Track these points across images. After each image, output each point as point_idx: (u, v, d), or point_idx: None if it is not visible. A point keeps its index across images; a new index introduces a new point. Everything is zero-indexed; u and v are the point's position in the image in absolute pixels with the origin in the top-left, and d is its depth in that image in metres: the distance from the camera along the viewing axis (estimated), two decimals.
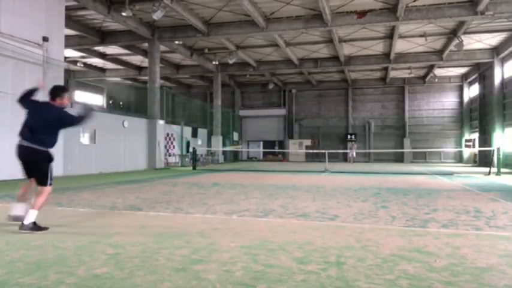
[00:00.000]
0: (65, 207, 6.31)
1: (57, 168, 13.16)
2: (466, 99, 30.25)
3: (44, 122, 4.49)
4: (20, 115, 12.95)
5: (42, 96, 5.00)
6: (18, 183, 10.50)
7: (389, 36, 20.29)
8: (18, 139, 4.57)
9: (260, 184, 10.66)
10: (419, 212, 5.87)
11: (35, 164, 4.50)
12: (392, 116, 32.22)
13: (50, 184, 4.52)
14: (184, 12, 16.36)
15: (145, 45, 21.11)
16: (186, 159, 23.20)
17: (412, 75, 29.14)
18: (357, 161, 30.49)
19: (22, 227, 4.27)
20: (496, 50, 22.62)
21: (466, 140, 29.45)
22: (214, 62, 25.48)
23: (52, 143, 4.60)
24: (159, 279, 2.74)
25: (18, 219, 4.46)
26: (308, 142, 32.90)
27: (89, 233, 4.27)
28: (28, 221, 4.27)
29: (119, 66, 27.56)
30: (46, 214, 5.61)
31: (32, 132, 4.46)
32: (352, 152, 29.62)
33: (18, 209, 4.60)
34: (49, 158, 4.55)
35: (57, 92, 4.71)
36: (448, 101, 31.29)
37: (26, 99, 4.72)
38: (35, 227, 4.31)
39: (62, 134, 14.62)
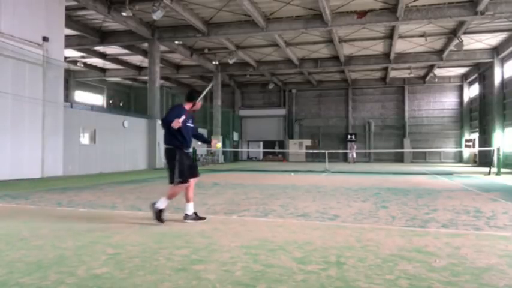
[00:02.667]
0: (65, 207, 6.30)
1: (57, 168, 13.22)
2: (466, 99, 30.26)
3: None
4: (20, 115, 12.94)
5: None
6: (18, 183, 10.51)
7: (389, 36, 20.30)
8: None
9: (260, 184, 10.65)
10: (419, 212, 5.87)
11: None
12: (392, 116, 32.22)
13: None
14: (184, 12, 16.36)
15: (145, 45, 21.12)
16: None
17: (412, 75, 29.16)
18: (357, 161, 30.44)
19: (186, 217, 4.91)
20: (496, 50, 22.62)
21: (466, 140, 29.45)
22: (214, 62, 25.49)
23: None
24: (159, 279, 2.74)
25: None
26: (308, 142, 32.91)
27: (89, 233, 4.26)
28: (190, 211, 4.92)
29: (119, 66, 27.57)
30: (46, 214, 5.62)
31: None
32: (353, 152, 29.47)
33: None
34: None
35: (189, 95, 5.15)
36: (448, 101, 31.30)
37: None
38: (197, 216, 4.96)
39: (63, 134, 14.44)
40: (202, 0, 16.08)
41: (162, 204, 4.78)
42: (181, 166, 4.81)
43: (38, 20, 12.65)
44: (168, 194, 4.84)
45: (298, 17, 17.70)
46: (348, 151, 29.24)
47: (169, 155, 4.91)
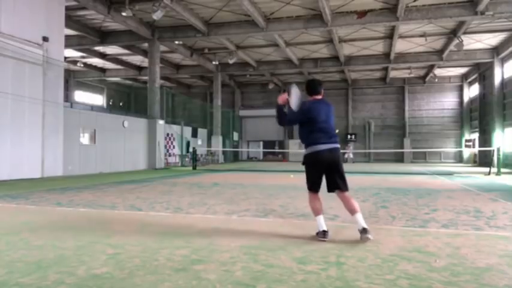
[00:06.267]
0: (64, 207, 6.30)
1: (57, 168, 13.22)
2: (466, 99, 30.25)
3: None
4: (20, 115, 12.94)
5: None
6: (18, 183, 10.51)
7: (390, 36, 20.29)
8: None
9: (260, 184, 10.65)
10: (419, 212, 5.87)
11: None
12: (392, 116, 32.21)
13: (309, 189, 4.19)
14: (184, 12, 16.36)
15: (145, 45, 21.11)
16: (186, 159, 23.20)
17: (412, 75, 29.13)
18: (355, 161, 30.37)
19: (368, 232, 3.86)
20: (496, 50, 22.61)
21: (466, 140, 29.44)
22: (214, 62, 25.48)
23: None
24: (159, 279, 2.74)
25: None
26: None
27: (89, 233, 4.26)
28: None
29: (119, 66, 27.57)
30: (46, 214, 5.62)
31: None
32: (349, 153, 29.38)
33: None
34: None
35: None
36: (448, 101, 31.29)
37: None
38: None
39: (63, 134, 14.44)
40: (202, 0, 16.08)
41: (362, 222, 3.93)
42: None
43: (38, 20, 12.65)
44: (356, 207, 4.00)
45: (298, 17, 17.69)
46: (346, 151, 29.01)
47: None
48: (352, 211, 4.01)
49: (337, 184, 4.09)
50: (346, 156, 29.67)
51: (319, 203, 4.14)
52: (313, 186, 4.15)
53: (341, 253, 3.45)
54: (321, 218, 4.06)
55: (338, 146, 4.16)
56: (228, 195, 8.00)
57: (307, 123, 4.11)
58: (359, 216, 3.97)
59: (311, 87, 4.30)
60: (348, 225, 4.81)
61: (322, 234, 3.96)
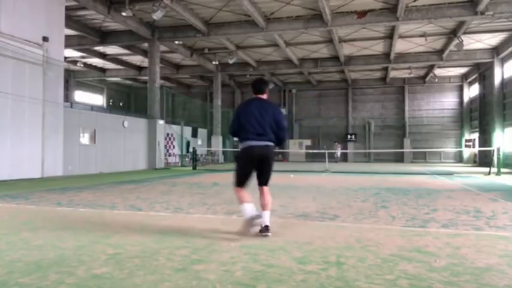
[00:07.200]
0: (64, 207, 6.30)
1: (57, 168, 13.22)
2: (466, 99, 30.25)
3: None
4: (20, 115, 12.94)
5: None
6: (18, 183, 10.51)
7: (390, 36, 20.29)
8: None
9: None
10: (419, 212, 5.87)
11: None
12: (393, 116, 32.21)
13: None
14: (184, 12, 16.36)
15: (145, 45, 21.11)
16: (186, 159, 23.21)
17: (412, 75, 29.13)
18: (343, 161, 30.30)
19: (267, 230, 4.06)
20: (496, 50, 22.62)
21: (466, 140, 29.45)
22: (214, 62, 25.48)
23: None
24: (159, 279, 2.74)
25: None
26: (308, 142, 32.87)
27: (89, 233, 4.26)
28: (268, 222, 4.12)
29: (119, 66, 27.57)
30: (46, 214, 5.62)
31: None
32: (337, 152, 29.50)
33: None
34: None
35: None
36: (448, 101, 31.30)
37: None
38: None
39: (63, 134, 14.41)
40: (202, 0, 16.08)
41: (266, 220, 4.13)
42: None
43: (38, 20, 12.65)
44: (268, 205, 4.24)
45: (298, 17, 17.69)
46: (334, 151, 29.00)
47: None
48: (264, 206, 4.16)
49: (264, 179, 4.25)
50: (335, 155, 29.67)
51: (244, 192, 4.17)
52: (241, 181, 4.20)
53: (341, 253, 3.45)
54: (249, 206, 4.02)
55: (268, 143, 4.22)
56: (228, 195, 8.00)
57: (241, 125, 4.25)
58: (267, 214, 4.14)
59: (253, 86, 4.51)
60: (348, 225, 4.81)
61: (266, 229, 4.03)
